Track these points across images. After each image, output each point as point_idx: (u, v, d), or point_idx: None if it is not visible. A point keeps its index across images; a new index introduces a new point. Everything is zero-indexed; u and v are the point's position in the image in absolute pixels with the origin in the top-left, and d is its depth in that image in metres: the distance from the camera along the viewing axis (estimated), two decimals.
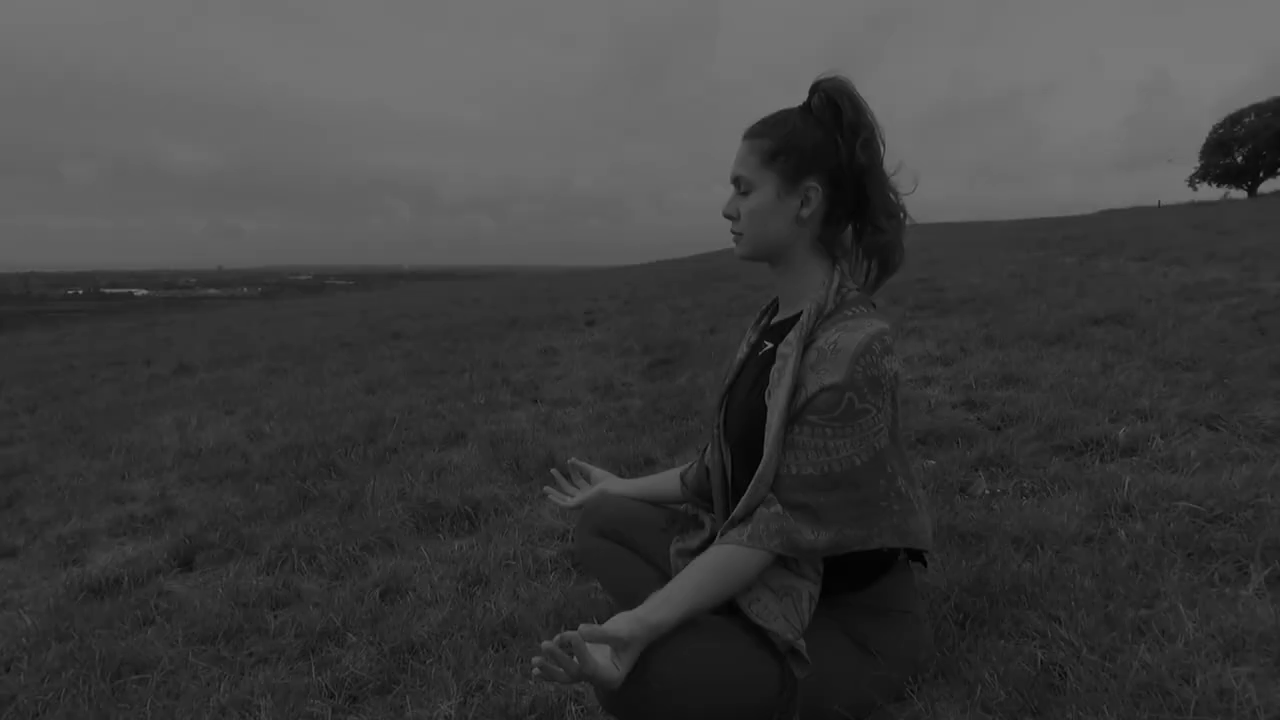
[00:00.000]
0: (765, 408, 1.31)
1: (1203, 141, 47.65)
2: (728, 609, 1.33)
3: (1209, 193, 46.41)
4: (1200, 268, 6.66)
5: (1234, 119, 46.15)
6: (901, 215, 1.35)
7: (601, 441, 3.34)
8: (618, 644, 1.18)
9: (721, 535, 1.33)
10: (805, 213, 1.34)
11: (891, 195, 1.34)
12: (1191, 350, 3.44)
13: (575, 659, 1.13)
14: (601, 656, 1.18)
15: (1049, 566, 1.71)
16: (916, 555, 1.44)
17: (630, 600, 1.38)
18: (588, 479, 1.87)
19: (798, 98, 1.37)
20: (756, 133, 1.36)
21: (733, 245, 1.42)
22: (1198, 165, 47.92)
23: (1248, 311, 4.39)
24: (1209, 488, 1.98)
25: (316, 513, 2.77)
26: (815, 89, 1.33)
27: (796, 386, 1.27)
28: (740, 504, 1.31)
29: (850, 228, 1.39)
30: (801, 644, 1.27)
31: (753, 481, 1.29)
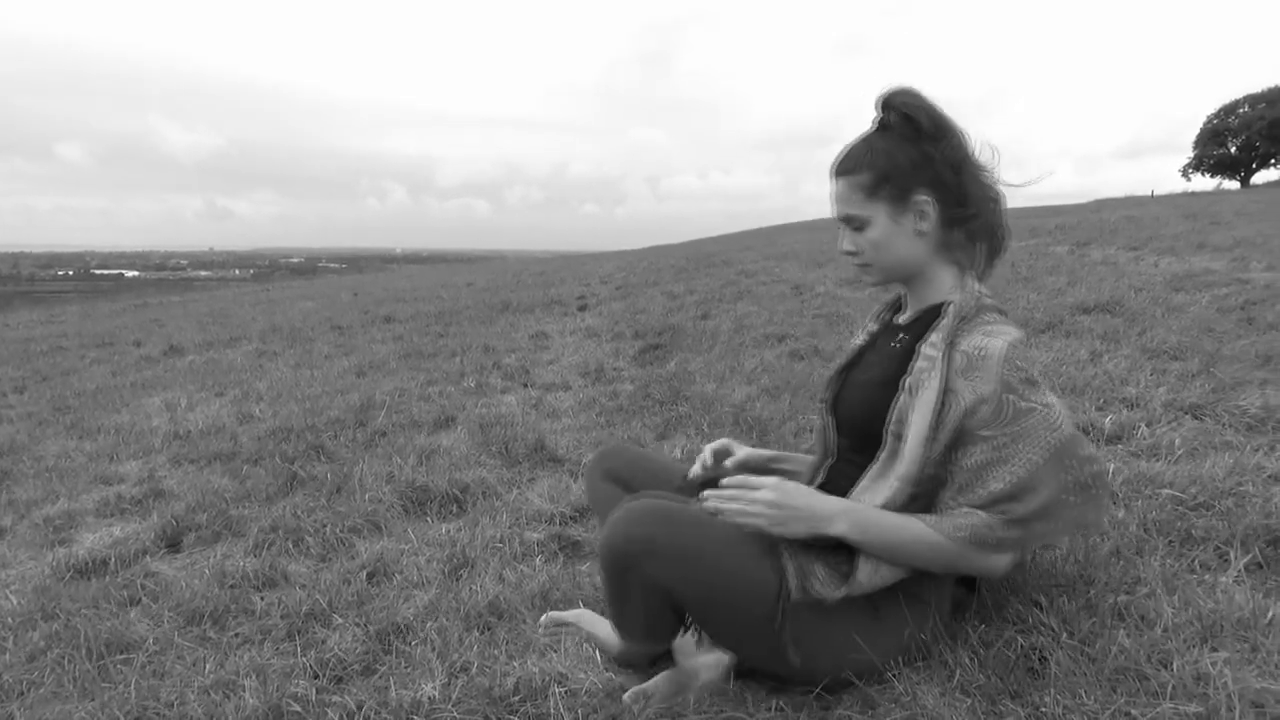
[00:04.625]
0: (890, 398, 1.35)
1: (1197, 131, 47.59)
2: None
3: (1203, 183, 46.39)
4: (1191, 258, 6.67)
5: (1228, 109, 46.03)
6: (999, 195, 1.39)
7: (591, 426, 3.35)
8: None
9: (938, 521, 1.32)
10: (924, 226, 1.37)
11: (987, 180, 1.38)
12: (1179, 340, 3.46)
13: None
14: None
15: (1030, 552, 1.72)
16: None
17: None
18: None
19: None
20: (849, 169, 1.37)
21: (861, 276, 1.45)
22: (1191, 156, 47.88)
23: (1236, 301, 4.41)
24: (1192, 476, 2.00)
25: (305, 495, 2.77)
26: (887, 106, 1.36)
27: (946, 391, 1.30)
28: (884, 498, 1.33)
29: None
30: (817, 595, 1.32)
31: (896, 480, 1.32)
